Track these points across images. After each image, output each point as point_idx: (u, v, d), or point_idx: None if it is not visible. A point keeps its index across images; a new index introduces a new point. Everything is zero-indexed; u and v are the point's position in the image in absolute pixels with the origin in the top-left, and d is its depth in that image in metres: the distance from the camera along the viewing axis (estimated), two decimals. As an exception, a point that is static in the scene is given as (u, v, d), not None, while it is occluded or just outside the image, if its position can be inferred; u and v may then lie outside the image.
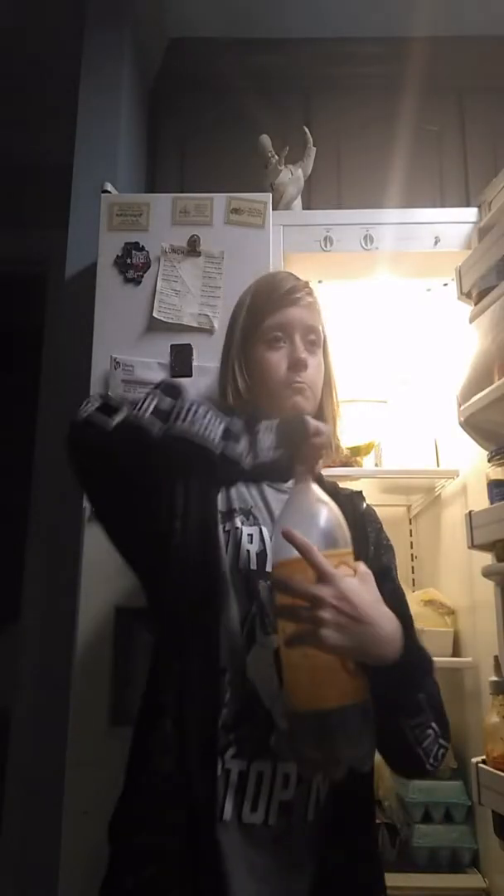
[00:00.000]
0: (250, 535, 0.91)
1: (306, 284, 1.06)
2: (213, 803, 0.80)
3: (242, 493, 0.95)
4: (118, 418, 0.83)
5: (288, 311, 1.01)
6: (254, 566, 0.89)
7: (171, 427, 0.82)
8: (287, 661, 0.76)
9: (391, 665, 0.76)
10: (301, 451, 0.84)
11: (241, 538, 0.90)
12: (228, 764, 0.81)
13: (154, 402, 0.85)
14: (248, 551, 0.90)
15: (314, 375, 1.02)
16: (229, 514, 0.93)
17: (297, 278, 1.07)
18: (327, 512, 0.79)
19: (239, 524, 0.91)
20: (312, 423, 0.85)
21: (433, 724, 0.83)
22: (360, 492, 1.08)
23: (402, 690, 0.80)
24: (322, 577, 0.73)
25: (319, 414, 1.04)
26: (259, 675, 0.84)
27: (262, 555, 0.90)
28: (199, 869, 0.78)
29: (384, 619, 0.77)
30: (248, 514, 0.93)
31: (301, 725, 0.75)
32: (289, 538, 0.74)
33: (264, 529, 0.92)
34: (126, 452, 0.83)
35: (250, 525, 0.92)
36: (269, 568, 0.87)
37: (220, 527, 0.91)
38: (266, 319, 1.01)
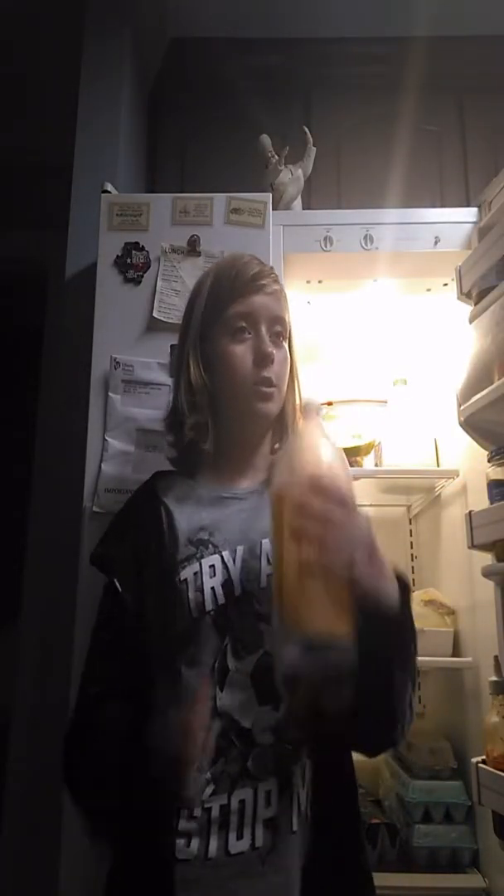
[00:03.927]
0: (211, 567, 0.88)
1: (272, 270, 1.00)
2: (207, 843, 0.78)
3: (194, 521, 0.91)
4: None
5: (253, 298, 0.94)
6: (221, 601, 0.86)
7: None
8: (299, 585, 0.72)
9: (393, 615, 0.75)
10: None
11: (201, 581, 0.87)
12: (208, 803, 0.79)
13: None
14: (213, 588, 0.87)
15: (281, 370, 0.96)
16: (186, 559, 0.89)
17: (262, 262, 1.00)
18: (332, 448, 0.79)
19: (198, 567, 0.88)
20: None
21: (412, 686, 0.82)
22: None
23: (400, 643, 0.80)
24: (342, 501, 0.72)
25: (282, 411, 0.99)
26: (235, 700, 0.83)
27: (227, 583, 0.87)
28: None
29: (387, 563, 0.76)
30: (205, 545, 0.89)
31: (309, 654, 0.70)
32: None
33: (225, 554, 0.88)
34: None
35: (210, 555, 0.88)
36: (237, 593, 0.87)
37: (175, 579, 0.87)
38: (229, 308, 0.94)
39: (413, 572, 1.92)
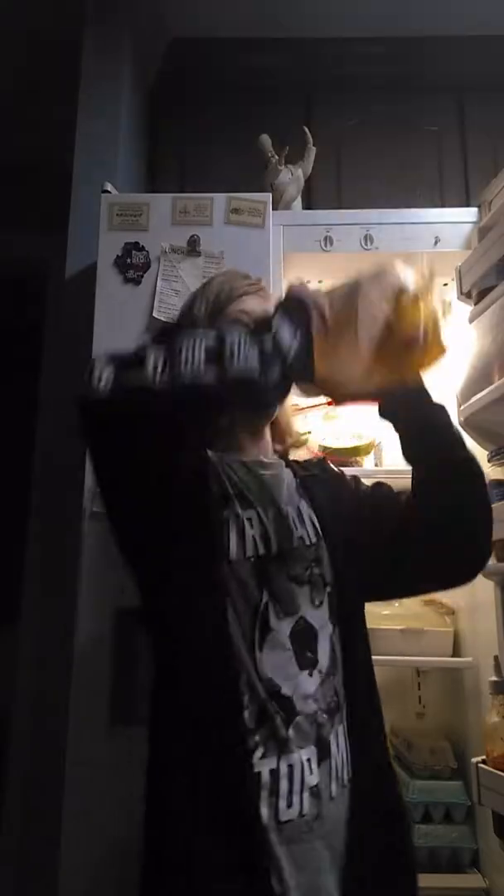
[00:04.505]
0: (249, 520, 0.88)
1: (259, 278, 1.06)
2: (258, 809, 0.78)
3: (231, 476, 0.91)
4: (159, 375, 0.71)
5: (249, 299, 1.00)
6: (262, 550, 0.86)
7: (229, 369, 0.71)
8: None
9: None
10: (309, 327, 0.78)
11: (242, 524, 0.87)
12: (258, 766, 0.79)
13: (202, 344, 0.72)
14: (253, 537, 0.87)
15: None
16: (226, 498, 0.89)
17: (248, 275, 1.06)
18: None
19: (239, 510, 0.88)
20: (302, 290, 0.80)
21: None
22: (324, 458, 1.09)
23: (447, 426, 0.92)
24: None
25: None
26: (276, 665, 0.83)
27: (265, 537, 0.87)
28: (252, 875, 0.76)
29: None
30: (242, 498, 0.89)
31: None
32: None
33: (260, 511, 0.89)
34: (188, 412, 0.74)
35: (246, 508, 0.89)
36: (273, 550, 0.87)
37: (220, 512, 0.87)
38: (228, 307, 0.98)
39: (413, 572, 1.91)
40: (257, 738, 0.80)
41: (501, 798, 1.13)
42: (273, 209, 1.55)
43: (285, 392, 0.80)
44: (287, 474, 0.97)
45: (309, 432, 1.74)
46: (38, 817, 1.56)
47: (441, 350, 0.82)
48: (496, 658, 1.25)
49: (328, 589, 0.90)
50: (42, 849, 1.40)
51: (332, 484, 1.02)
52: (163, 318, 1.46)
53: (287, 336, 0.75)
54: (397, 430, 0.94)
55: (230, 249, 1.49)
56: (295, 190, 1.70)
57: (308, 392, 0.82)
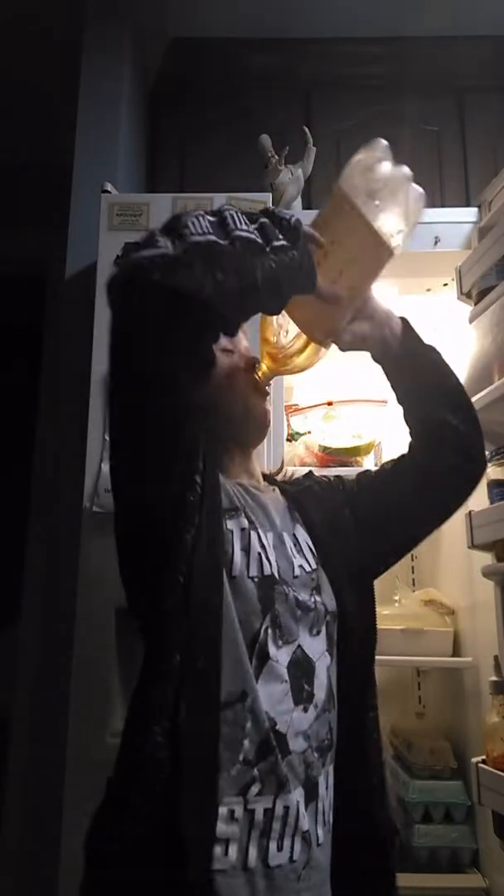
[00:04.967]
0: (255, 538, 0.84)
1: None
2: (209, 852, 0.70)
3: (235, 493, 0.87)
4: (173, 246, 0.68)
5: None
6: (267, 571, 0.82)
7: (232, 232, 0.71)
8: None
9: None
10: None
11: (249, 540, 0.82)
12: (252, 803, 0.73)
13: (203, 218, 0.71)
14: (259, 555, 0.82)
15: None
16: (233, 510, 0.85)
17: None
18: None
19: (245, 524, 0.84)
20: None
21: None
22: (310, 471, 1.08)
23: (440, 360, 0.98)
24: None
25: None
26: (273, 695, 0.77)
27: (268, 559, 0.83)
28: None
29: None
30: (246, 516, 0.85)
31: None
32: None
33: (261, 533, 0.85)
34: (210, 276, 0.69)
35: (252, 526, 0.85)
36: (276, 574, 0.82)
37: (225, 523, 0.82)
38: None
39: (413, 572, 1.91)
40: (255, 772, 0.74)
41: (501, 798, 1.13)
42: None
43: (288, 286, 0.76)
44: (280, 500, 0.94)
45: (309, 432, 1.74)
46: (38, 817, 1.56)
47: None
48: (496, 658, 1.25)
49: (328, 618, 0.87)
50: (42, 849, 1.40)
51: (322, 495, 0.99)
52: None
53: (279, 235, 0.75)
54: (392, 365, 0.96)
55: (230, 249, 1.49)
56: (295, 190, 1.70)
57: (295, 315, 0.84)
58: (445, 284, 1.61)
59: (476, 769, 1.21)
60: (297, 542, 0.89)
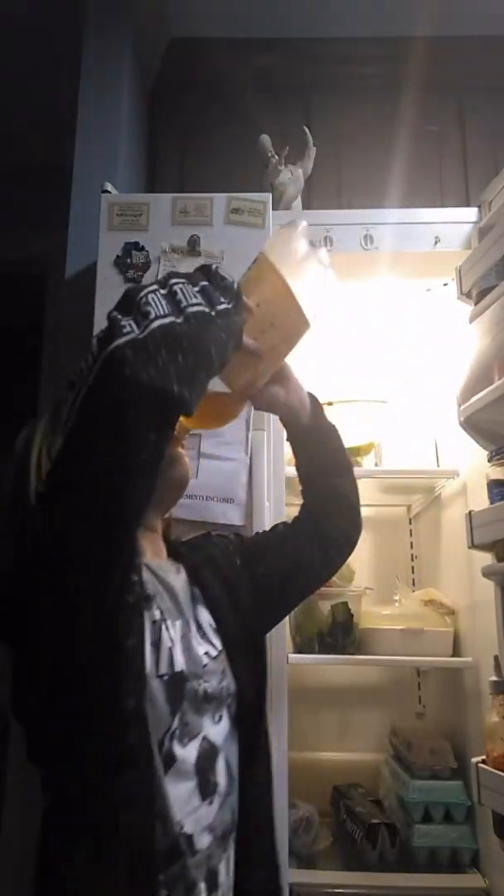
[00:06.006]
0: (164, 630, 0.79)
1: None
2: None
3: (143, 578, 0.81)
4: (137, 328, 0.67)
5: None
6: (178, 668, 0.77)
7: (184, 310, 0.70)
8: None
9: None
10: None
11: (160, 634, 0.78)
12: None
13: (158, 295, 0.70)
14: (171, 650, 0.78)
15: None
16: (147, 599, 0.79)
17: None
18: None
19: (157, 615, 0.79)
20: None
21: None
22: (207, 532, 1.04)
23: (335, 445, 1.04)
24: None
25: None
26: (180, 796, 0.74)
27: (175, 653, 0.79)
28: None
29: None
30: (158, 606, 0.81)
31: None
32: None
33: (169, 623, 0.81)
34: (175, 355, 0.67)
35: (161, 617, 0.80)
36: (185, 669, 0.79)
37: (140, 615, 0.76)
38: None
39: (413, 572, 1.92)
40: (162, 877, 0.70)
41: (501, 798, 1.13)
42: (273, 209, 1.55)
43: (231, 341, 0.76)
44: (183, 578, 0.89)
45: None
46: (38, 817, 1.56)
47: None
48: (496, 658, 1.25)
49: (229, 700, 0.84)
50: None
51: (221, 564, 0.95)
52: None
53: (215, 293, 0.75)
54: (302, 431, 1.01)
55: (230, 249, 1.49)
56: (295, 190, 1.70)
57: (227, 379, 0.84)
58: (445, 284, 1.61)
59: (476, 769, 1.21)
60: (200, 627, 0.86)
